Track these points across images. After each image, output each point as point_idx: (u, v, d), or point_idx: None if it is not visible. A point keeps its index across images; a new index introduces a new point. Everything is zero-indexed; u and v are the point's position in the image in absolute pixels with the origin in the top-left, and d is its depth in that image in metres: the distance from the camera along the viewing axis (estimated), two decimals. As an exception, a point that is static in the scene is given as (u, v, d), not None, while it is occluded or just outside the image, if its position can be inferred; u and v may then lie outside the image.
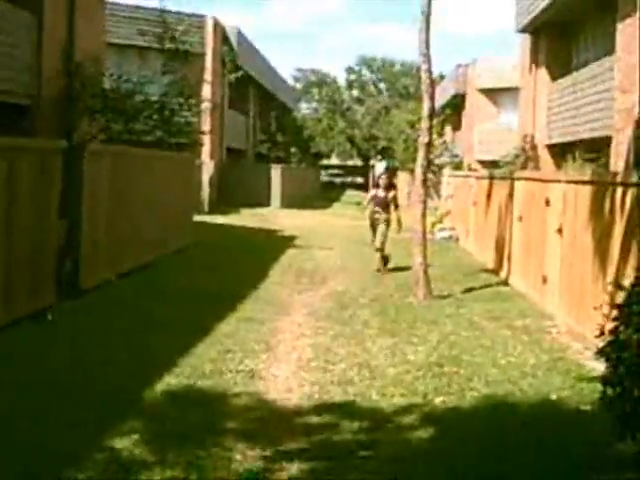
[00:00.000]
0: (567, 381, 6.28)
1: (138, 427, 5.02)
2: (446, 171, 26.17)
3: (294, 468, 4.48)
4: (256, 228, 21.11)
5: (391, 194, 12.58)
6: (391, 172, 13.25)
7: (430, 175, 16.28)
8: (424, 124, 10.66)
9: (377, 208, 12.55)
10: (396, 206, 12.57)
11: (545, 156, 20.25)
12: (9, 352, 6.78)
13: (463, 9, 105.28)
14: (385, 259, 12.62)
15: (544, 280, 9.50)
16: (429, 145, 10.81)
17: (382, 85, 67.29)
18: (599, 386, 4.18)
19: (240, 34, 30.59)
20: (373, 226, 12.64)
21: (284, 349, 7.38)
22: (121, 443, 4.72)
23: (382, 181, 12.64)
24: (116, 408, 5.37)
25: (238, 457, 4.61)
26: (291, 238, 18.21)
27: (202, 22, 26.60)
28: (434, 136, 18.42)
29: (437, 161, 27.52)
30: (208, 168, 26.81)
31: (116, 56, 21.83)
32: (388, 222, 12.52)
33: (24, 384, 5.87)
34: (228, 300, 9.53)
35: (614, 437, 3.93)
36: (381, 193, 12.57)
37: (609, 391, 4.02)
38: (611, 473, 3.99)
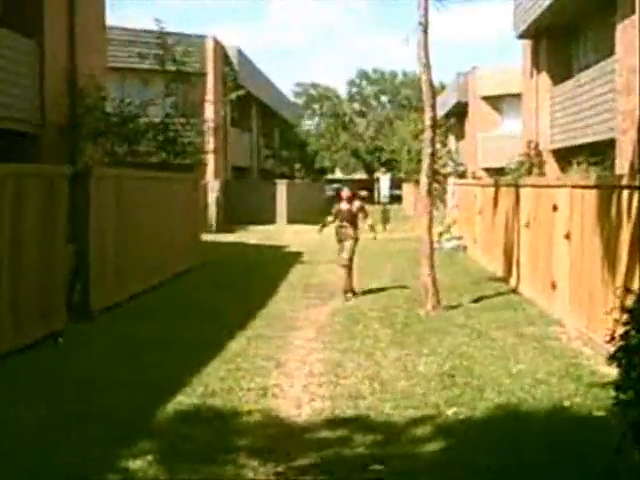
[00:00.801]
0: (580, 387, 6.24)
1: (151, 447, 5.01)
2: (451, 180, 26.17)
3: (307, 484, 4.47)
4: (263, 245, 21.14)
5: (356, 205, 11.79)
6: (352, 190, 12.41)
7: (435, 185, 16.31)
8: (427, 134, 10.67)
9: (344, 223, 11.70)
10: (365, 215, 11.93)
11: (550, 161, 20.22)
12: (21, 375, 6.83)
13: (461, 16, 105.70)
14: (350, 279, 11.62)
15: (553, 286, 9.45)
16: (433, 155, 10.82)
17: (384, 97, 67.55)
18: (612, 392, 4.14)
19: (240, 53, 30.82)
20: (340, 242, 11.79)
21: (294, 365, 7.36)
22: (135, 464, 4.71)
23: (345, 193, 11.99)
24: (129, 429, 5.37)
25: (250, 474, 4.59)
26: (298, 254, 18.21)
27: (202, 42, 26.82)
28: (438, 146, 18.46)
29: (442, 170, 27.51)
30: (213, 187, 26.93)
31: (118, 80, 22.00)
32: (356, 238, 11.72)
33: (36, 406, 5.88)
34: (238, 317, 9.54)
35: (628, 443, 3.89)
36: (344, 206, 11.76)
37: (622, 396, 3.99)
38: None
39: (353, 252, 11.68)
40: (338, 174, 65.76)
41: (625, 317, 4.12)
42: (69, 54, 12.93)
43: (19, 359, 7.36)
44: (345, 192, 12.07)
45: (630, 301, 4.28)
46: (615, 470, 4.13)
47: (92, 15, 14.14)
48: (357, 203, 11.87)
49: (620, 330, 4.13)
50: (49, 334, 8.21)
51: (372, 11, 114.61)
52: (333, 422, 5.56)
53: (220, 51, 28.37)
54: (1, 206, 7.44)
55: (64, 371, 7.05)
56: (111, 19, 16.11)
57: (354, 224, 11.73)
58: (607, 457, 4.45)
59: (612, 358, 4.14)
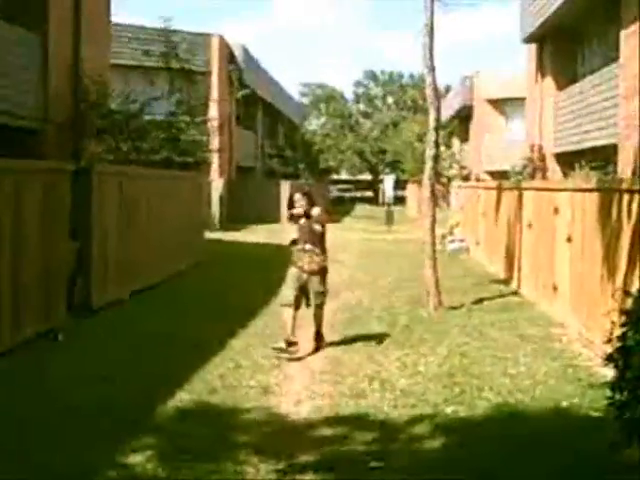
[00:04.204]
0: (578, 388, 6.28)
1: (151, 443, 5.05)
2: (455, 182, 26.22)
3: (306, 480, 4.50)
4: (267, 244, 21.16)
5: (315, 211, 7.86)
6: (308, 193, 8.01)
7: (439, 187, 16.36)
8: (430, 136, 10.72)
9: (306, 245, 7.82)
10: (323, 249, 7.89)
11: (553, 165, 20.23)
12: (21, 371, 6.86)
13: (467, 17, 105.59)
14: (320, 335, 8.10)
15: (554, 288, 9.49)
16: (436, 157, 10.86)
17: (390, 99, 67.57)
18: (609, 392, 4.18)
19: (246, 51, 30.87)
20: (303, 275, 7.85)
21: (295, 362, 7.40)
22: (134, 459, 4.75)
23: (299, 203, 7.87)
24: (129, 425, 5.41)
25: (251, 471, 4.63)
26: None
27: (207, 41, 26.85)
28: (442, 148, 18.51)
29: (445, 173, 27.56)
30: (217, 186, 27.00)
31: (122, 77, 22.04)
32: (324, 270, 7.93)
33: (36, 403, 5.93)
34: (239, 316, 9.58)
35: (624, 442, 3.92)
36: (305, 221, 7.85)
37: (618, 396, 4.03)
38: (621, 477, 3.98)
39: (326, 294, 8.10)
40: (343, 175, 65.80)
41: (623, 319, 4.16)
42: (73, 49, 12.90)
43: (18, 355, 7.39)
44: (298, 196, 7.95)
45: (628, 303, 4.32)
46: (609, 467, 4.17)
47: (97, 10, 14.12)
48: (316, 210, 7.90)
49: (618, 332, 4.17)
50: (49, 330, 8.24)
51: (378, 10, 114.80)
52: (333, 420, 5.59)
53: (225, 49, 28.41)
54: (1, 202, 7.47)
55: (62, 367, 7.07)
56: (116, 15, 16.16)
57: (322, 246, 7.91)
58: (601, 455, 4.50)
59: (608, 359, 4.18)
